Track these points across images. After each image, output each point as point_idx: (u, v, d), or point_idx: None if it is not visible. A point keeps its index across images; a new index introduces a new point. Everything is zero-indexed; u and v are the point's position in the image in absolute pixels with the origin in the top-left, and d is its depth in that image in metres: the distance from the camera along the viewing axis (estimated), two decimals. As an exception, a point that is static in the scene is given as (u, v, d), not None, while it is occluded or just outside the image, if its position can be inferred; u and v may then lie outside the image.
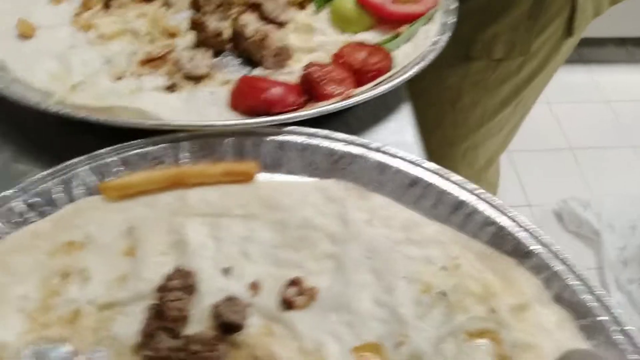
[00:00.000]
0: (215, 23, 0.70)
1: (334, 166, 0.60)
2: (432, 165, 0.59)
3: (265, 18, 0.75)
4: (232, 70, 0.71)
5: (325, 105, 0.62)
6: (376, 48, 0.70)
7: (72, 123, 0.60)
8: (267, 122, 0.60)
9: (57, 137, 0.63)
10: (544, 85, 1.10)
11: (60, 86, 0.64)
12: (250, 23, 0.71)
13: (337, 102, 0.63)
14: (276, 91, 0.62)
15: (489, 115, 1.07)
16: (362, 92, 0.65)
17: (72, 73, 0.66)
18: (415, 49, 0.74)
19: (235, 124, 0.59)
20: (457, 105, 1.04)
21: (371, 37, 0.76)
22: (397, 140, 0.67)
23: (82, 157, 0.56)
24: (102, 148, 0.58)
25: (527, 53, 0.93)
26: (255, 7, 0.75)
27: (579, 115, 2.29)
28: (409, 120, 0.70)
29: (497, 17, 0.90)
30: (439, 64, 0.72)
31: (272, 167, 0.60)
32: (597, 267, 1.83)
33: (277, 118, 0.60)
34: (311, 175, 0.60)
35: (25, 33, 0.71)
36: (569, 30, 0.96)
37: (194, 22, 0.70)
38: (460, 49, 0.93)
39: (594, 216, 1.89)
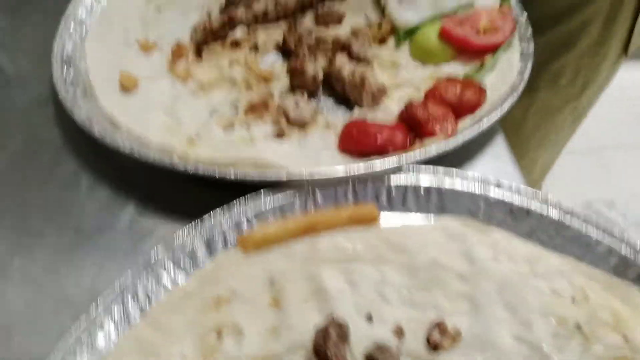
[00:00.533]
0: (312, 67, 0.72)
1: (451, 203, 0.62)
2: (546, 196, 0.61)
3: (353, 57, 0.77)
4: (330, 112, 0.73)
5: (436, 144, 0.64)
6: (468, 82, 0.72)
7: (193, 176, 0.62)
8: (386, 167, 0.62)
9: (177, 191, 0.65)
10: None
11: (177, 140, 0.66)
12: (344, 64, 0.73)
13: (443, 139, 0.65)
14: (387, 134, 0.65)
15: (549, 134, 1.09)
16: (466, 129, 0.67)
17: (184, 125, 0.69)
18: (501, 78, 0.76)
19: (357, 170, 0.61)
20: (519, 131, 1.07)
21: (454, 68, 0.78)
22: (497, 169, 0.69)
23: (217, 211, 0.58)
24: (224, 199, 0.60)
25: (591, 78, 0.96)
26: (345, 48, 0.77)
27: (599, 113, 2.30)
28: (504, 149, 0.72)
29: (566, 49, 0.92)
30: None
31: (390, 207, 0.63)
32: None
33: (394, 160, 0.62)
34: (428, 212, 0.62)
35: (128, 86, 0.73)
36: (625, 51, 0.98)
37: (293, 68, 0.72)
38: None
39: (619, 216, 1.91)
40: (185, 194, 0.65)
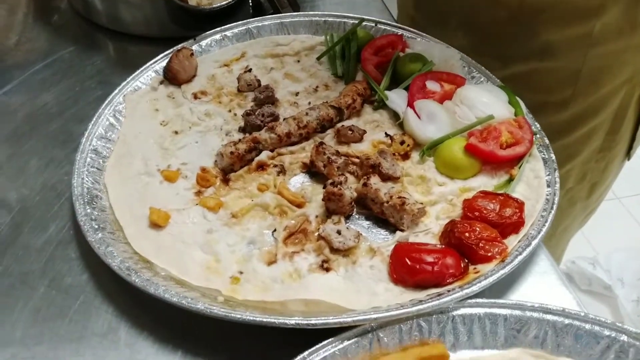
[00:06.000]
0: (348, 192, 0.71)
1: (517, 334, 0.60)
2: (618, 325, 0.60)
3: (383, 176, 0.76)
4: (370, 235, 0.71)
5: (493, 270, 0.63)
6: (505, 197, 0.72)
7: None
8: (452, 302, 0.60)
9: (222, 340, 0.61)
10: None
11: (220, 281, 0.62)
12: (380, 186, 0.73)
13: (498, 264, 0.64)
14: (442, 263, 0.63)
15: (564, 228, 1.11)
16: (515, 249, 0.66)
17: (224, 262, 0.65)
18: (529, 189, 0.76)
19: (420, 308, 0.58)
20: None
21: (482, 182, 0.78)
22: (549, 293, 0.68)
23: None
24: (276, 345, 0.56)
25: (599, 180, 1.00)
26: (374, 167, 0.77)
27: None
28: (551, 269, 0.71)
29: (571, 157, 0.96)
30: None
31: (456, 342, 0.60)
32: (618, 321, 1.87)
33: (459, 293, 0.60)
34: (495, 347, 0.60)
35: (160, 223, 0.69)
36: (628, 156, 1.04)
37: (330, 194, 0.71)
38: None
39: (604, 273, 1.94)
40: (232, 342, 0.60)
